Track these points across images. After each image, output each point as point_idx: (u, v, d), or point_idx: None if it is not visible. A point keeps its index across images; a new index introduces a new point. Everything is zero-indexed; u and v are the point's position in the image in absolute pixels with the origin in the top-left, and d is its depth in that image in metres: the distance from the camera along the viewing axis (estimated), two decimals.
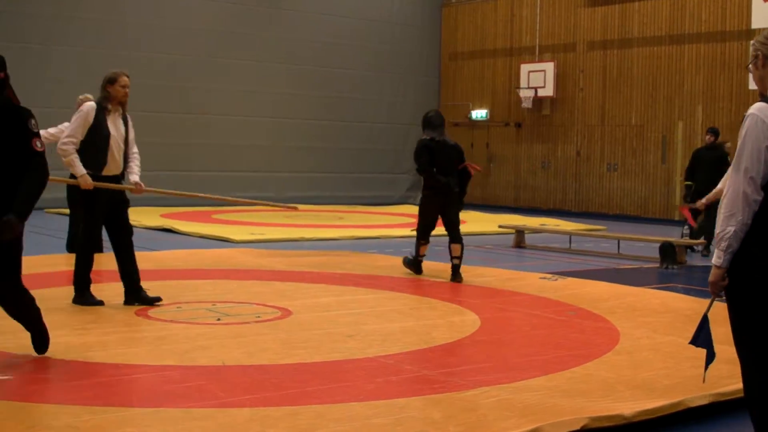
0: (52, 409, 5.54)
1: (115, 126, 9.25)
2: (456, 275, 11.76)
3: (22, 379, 6.29)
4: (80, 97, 13.03)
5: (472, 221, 21.98)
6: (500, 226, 18.70)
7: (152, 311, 8.96)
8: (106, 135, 9.16)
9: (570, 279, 11.94)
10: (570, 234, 17.52)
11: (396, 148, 29.35)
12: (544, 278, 11.95)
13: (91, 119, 9.14)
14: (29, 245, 13.88)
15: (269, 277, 11.70)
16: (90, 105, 9.24)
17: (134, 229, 9.70)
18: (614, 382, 6.55)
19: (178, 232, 17.87)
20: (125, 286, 9.31)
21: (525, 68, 27.58)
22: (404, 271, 12.34)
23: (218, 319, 8.67)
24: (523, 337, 8.51)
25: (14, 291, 6.55)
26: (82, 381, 6.32)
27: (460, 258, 11.91)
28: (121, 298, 9.28)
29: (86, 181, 9.08)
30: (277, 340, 7.82)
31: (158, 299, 9.32)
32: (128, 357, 7.04)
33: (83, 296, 9.24)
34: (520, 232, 17.25)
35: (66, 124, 12.83)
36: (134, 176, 9.44)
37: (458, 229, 12.08)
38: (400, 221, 21.45)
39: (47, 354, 6.96)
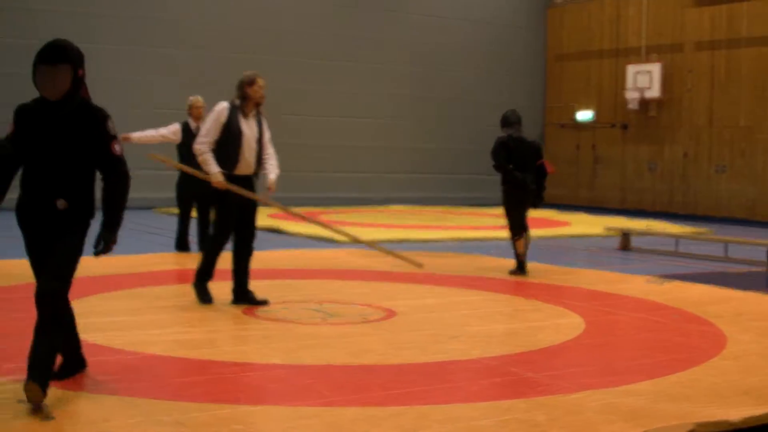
0: (162, 405, 5.64)
1: (248, 126, 9.31)
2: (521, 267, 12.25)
3: (132, 374, 6.40)
4: (191, 98, 13.29)
5: (577, 223, 21.89)
6: (606, 228, 18.55)
7: (259, 310, 9.06)
8: (238, 134, 9.23)
9: (676, 282, 11.80)
10: (677, 237, 17.28)
11: None
12: (651, 281, 11.83)
13: (223, 119, 9.23)
14: (138, 243, 14.24)
15: (374, 277, 11.76)
16: (222, 105, 9.31)
17: None
18: (721, 387, 6.46)
19: (285, 233, 18.07)
20: (235, 285, 9.40)
21: (631, 69, 27.26)
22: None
23: (324, 319, 8.76)
24: (629, 340, 8.45)
25: (59, 297, 5.72)
26: (190, 378, 6.45)
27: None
28: (230, 297, 9.40)
29: (218, 179, 9.19)
30: (382, 341, 7.87)
31: (265, 302, 9.39)
32: (236, 355, 7.16)
33: (200, 287, 9.40)
34: (626, 235, 17.08)
35: (176, 125, 13.17)
36: (272, 175, 9.55)
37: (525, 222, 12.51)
38: (504, 223, 21.35)
39: (156, 351, 7.11)
